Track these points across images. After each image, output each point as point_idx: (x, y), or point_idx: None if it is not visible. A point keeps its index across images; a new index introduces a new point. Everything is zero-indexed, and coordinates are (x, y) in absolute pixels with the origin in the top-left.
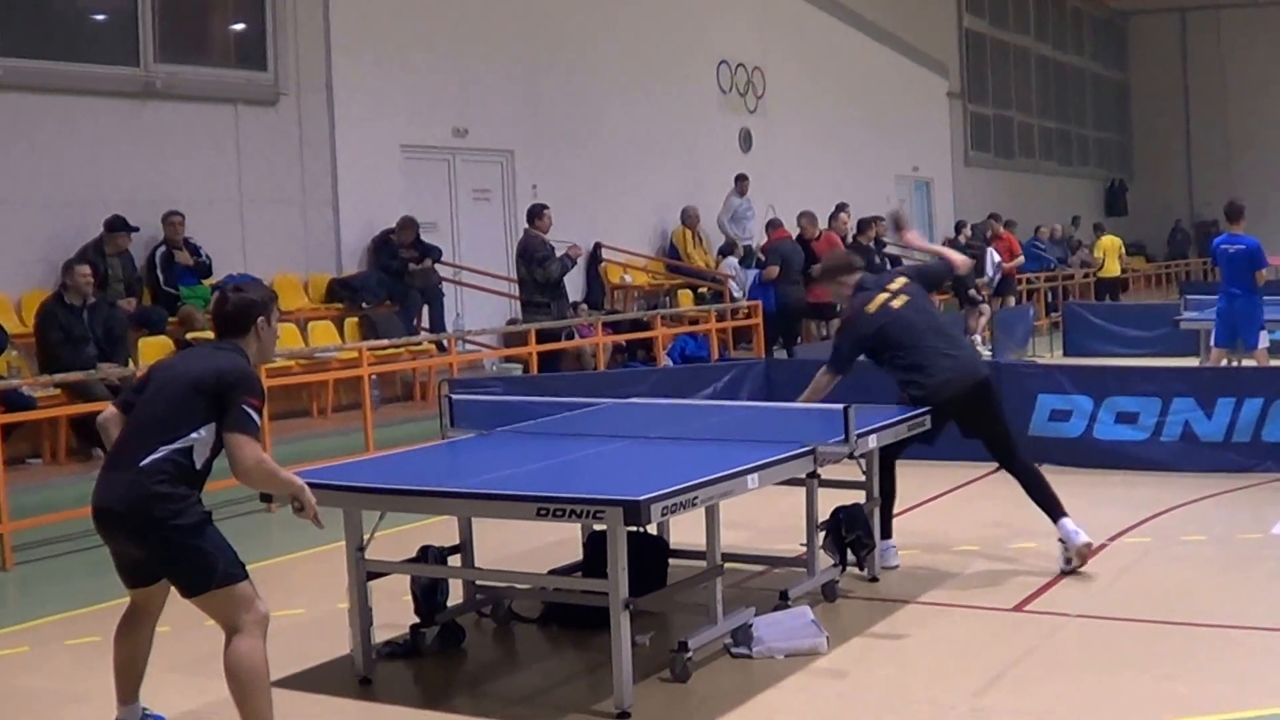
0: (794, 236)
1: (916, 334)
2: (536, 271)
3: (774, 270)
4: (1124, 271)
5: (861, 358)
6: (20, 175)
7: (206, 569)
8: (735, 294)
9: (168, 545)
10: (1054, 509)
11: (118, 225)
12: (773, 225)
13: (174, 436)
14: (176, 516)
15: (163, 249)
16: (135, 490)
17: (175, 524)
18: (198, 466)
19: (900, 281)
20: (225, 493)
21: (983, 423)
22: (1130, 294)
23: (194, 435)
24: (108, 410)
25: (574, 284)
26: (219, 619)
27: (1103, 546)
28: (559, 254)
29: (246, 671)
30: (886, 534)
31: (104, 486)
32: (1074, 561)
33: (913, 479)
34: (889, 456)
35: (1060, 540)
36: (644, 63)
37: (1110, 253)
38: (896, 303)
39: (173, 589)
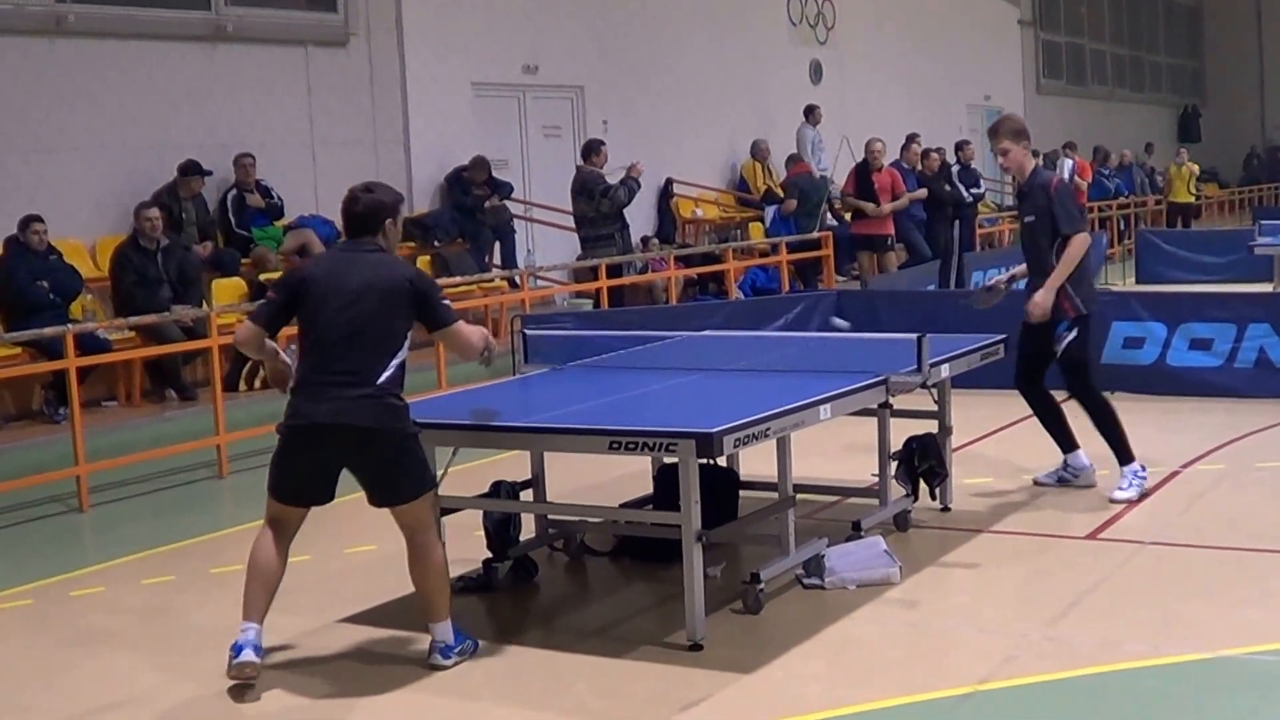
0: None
1: None
2: (603, 203)
3: (791, 204)
4: (1197, 198)
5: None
6: (93, 121)
7: (424, 475)
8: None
9: (402, 454)
10: (1067, 442)
11: (191, 169)
12: (792, 160)
13: (396, 348)
14: (409, 425)
15: (234, 191)
16: (379, 405)
17: (410, 433)
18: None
19: None
20: None
21: (1084, 351)
22: (1203, 220)
23: (406, 344)
24: (247, 328)
25: (645, 218)
26: (412, 522)
27: (1176, 474)
28: (618, 181)
29: (443, 572)
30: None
31: (332, 405)
32: (1068, 483)
33: (984, 408)
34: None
35: (1068, 465)
36: None
37: (1180, 180)
38: None
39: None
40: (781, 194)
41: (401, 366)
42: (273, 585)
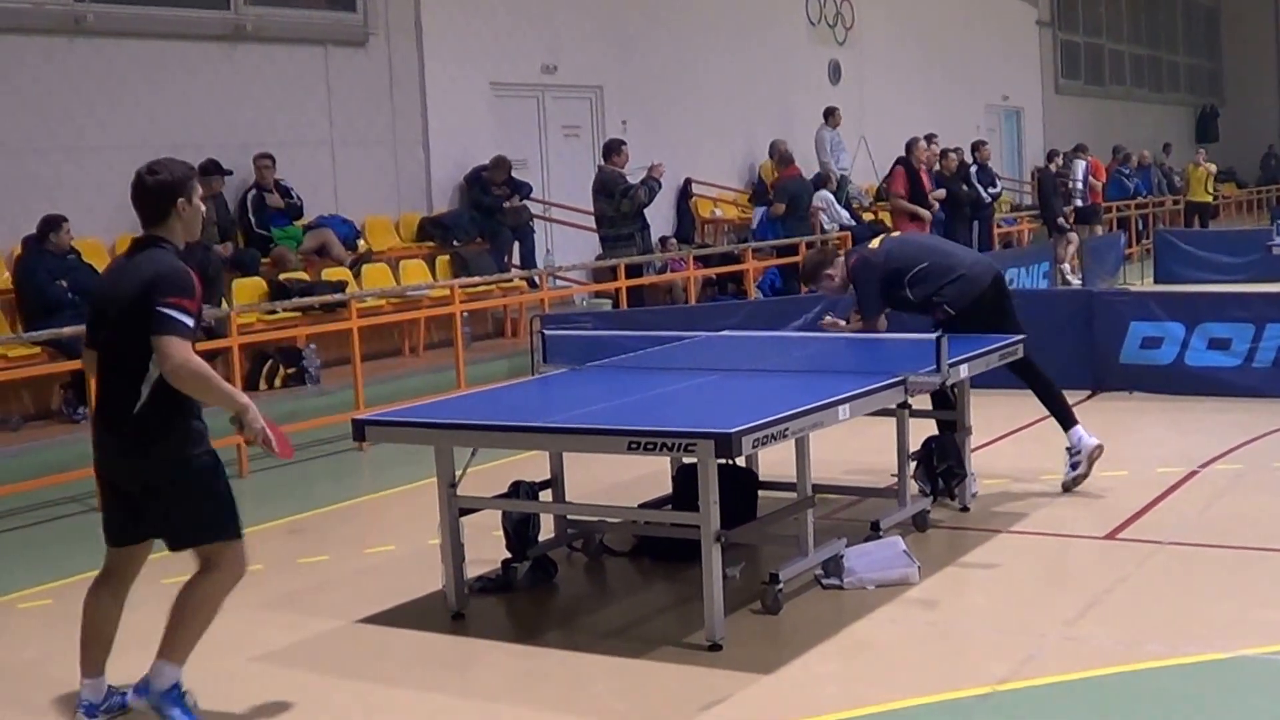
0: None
1: (926, 248)
2: (623, 203)
3: (780, 207)
4: (1215, 198)
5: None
6: (112, 121)
7: (215, 522)
8: (825, 226)
9: (171, 495)
10: (1066, 418)
11: (211, 169)
12: (784, 162)
13: (147, 372)
14: (187, 447)
15: (254, 191)
16: (139, 443)
17: (187, 467)
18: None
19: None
20: (315, 432)
21: (1001, 321)
22: (1221, 220)
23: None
24: (85, 352)
25: (664, 218)
26: (207, 556)
27: (1194, 473)
28: (639, 181)
29: (202, 613)
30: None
31: (100, 446)
32: (1082, 466)
33: (1000, 408)
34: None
35: (1069, 449)
36: None
37: (1197, 179)
38: (895, 234)
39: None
40: (770, 194)
41: (161, 390)
42: (103, 635)
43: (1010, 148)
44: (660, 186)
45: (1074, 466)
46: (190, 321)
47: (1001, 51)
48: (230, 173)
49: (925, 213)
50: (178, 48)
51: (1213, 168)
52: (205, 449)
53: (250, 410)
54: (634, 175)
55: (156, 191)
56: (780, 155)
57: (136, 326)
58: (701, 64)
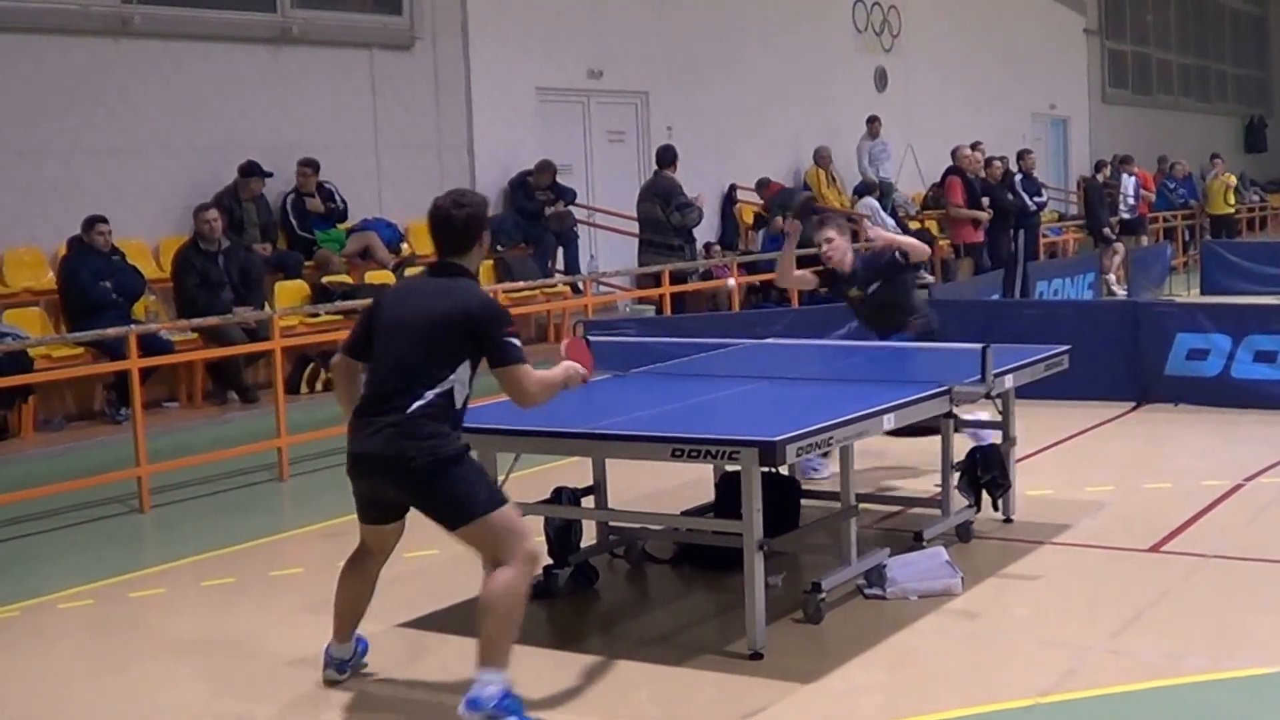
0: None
1: None
2: (673, 216)
3: (779, 221)
4: (1236, 211)
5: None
6: (157, 122)
7: (466, 502)
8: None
9: (432, 480)
10: None
11: (252, 170)
12: (763, 185)
13: (434, 380)
14: (441, 450)
15: (293, 195)
16: (401, 434)
17: (439, 457)
18: (458, 406)
19: None
20: None
21: None
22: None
23: (452, 377)
24: (339, 359)
25: (708, 224)
26: (478, 548)
27: (1239, 486)
28: (689, 206)
29: (502, 607)
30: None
31: (366, 434)
32: None
33: (1046, 419)
34: None
35: None
36: (779, 2)
37: (1216, 191)
38: None
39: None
40: (765, 215)
41: (444, 396)
42: (355, 606)
43: (1056, 157)
44: (702, 217)
45: None
46: (522, 346)
47: (1048, 60)
48: (271, 174)
49: (983, 215)
50: (224, 50)
51: (1232, 179)
52: (455, 444)
53: (574, 379)
54: (686, 186)
55: (465, 224)
56: (758, 180)
57: (449, 345)
58: (747, 70)
